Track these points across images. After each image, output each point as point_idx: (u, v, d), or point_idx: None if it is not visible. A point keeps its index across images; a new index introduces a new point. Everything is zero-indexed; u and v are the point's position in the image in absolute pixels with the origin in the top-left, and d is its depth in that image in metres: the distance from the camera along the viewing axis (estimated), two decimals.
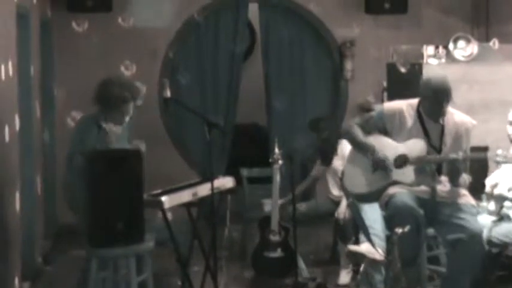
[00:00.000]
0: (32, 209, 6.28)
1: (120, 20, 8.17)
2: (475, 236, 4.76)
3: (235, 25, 8.36)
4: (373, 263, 5.47)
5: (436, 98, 4.90)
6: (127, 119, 5.11)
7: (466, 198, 5.01)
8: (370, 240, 5.17)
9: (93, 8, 7.85)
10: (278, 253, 6.07)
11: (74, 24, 8.12)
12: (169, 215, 6.33)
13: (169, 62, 8.34)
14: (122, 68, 8.14)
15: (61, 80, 7.95)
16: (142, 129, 8.08)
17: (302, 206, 6.57)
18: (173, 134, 8.47)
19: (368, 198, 5.12)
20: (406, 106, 5.06)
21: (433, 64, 6.63)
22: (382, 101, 8.01)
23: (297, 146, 8.37)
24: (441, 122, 4.96)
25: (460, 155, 4.76)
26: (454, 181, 4.91)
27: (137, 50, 8.19)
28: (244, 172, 7.10)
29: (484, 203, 5.68)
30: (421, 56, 6.73)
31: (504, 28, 7.84)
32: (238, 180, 6.79)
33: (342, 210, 6.20)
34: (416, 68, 6.65)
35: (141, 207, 4.45)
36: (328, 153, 6.52)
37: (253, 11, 8.55)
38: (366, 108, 8.17)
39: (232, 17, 8.37)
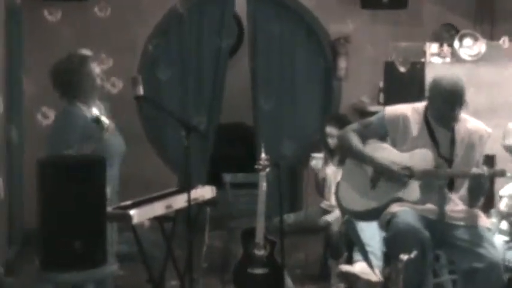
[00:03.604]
0: None
1: (96, 9, 7.62)
2: (494, 267, 4.20)
3: (221, 18, 7.82)
4: (368, 284, 4.99)
5: (447, 101, 4.37)
6: (99, 81, 4.70)
7: (481, 220, 4.44)
8: (367, 260, 4.65)
9: None
10: (263, 269, 5.56)
11: (45, 13, 7.54)
12: (146, 223, 5.78)
13: (148, 56, 7.78)
14: (97, 62, 7.58)
15: (31, 73, 7.35)
16: (118, 129, 7.61)
17: (290, 218, 6.12)
18: (151, 135, 7.91)
19: (366, 216, 4.60)
20: (411, 111, 4.54)
21: (437, 63, 6.17)
22: (378, 103, 7.69)
23: (285, 151, 7.88)
24: (451, 129, 4.42)
25: (484, 170, 4.23)
26: (472, 201, 4.38)
27: (114, 43, 7.61)
28: (227, 177, 6.53)
29: (493, 220, 5.09)
30: (423, 54, 6.28)
31: (510, 26, 7.38)
32: (221, 185, 6.25)
33: (333, 222, 5.74)
34: (418, 67, 6.22)
35: (103, 224, 3.83)
36: None
37: (240, 3, 8.01)
38: (360, 110, 7.78)
39: (218, 9, 7.82)
